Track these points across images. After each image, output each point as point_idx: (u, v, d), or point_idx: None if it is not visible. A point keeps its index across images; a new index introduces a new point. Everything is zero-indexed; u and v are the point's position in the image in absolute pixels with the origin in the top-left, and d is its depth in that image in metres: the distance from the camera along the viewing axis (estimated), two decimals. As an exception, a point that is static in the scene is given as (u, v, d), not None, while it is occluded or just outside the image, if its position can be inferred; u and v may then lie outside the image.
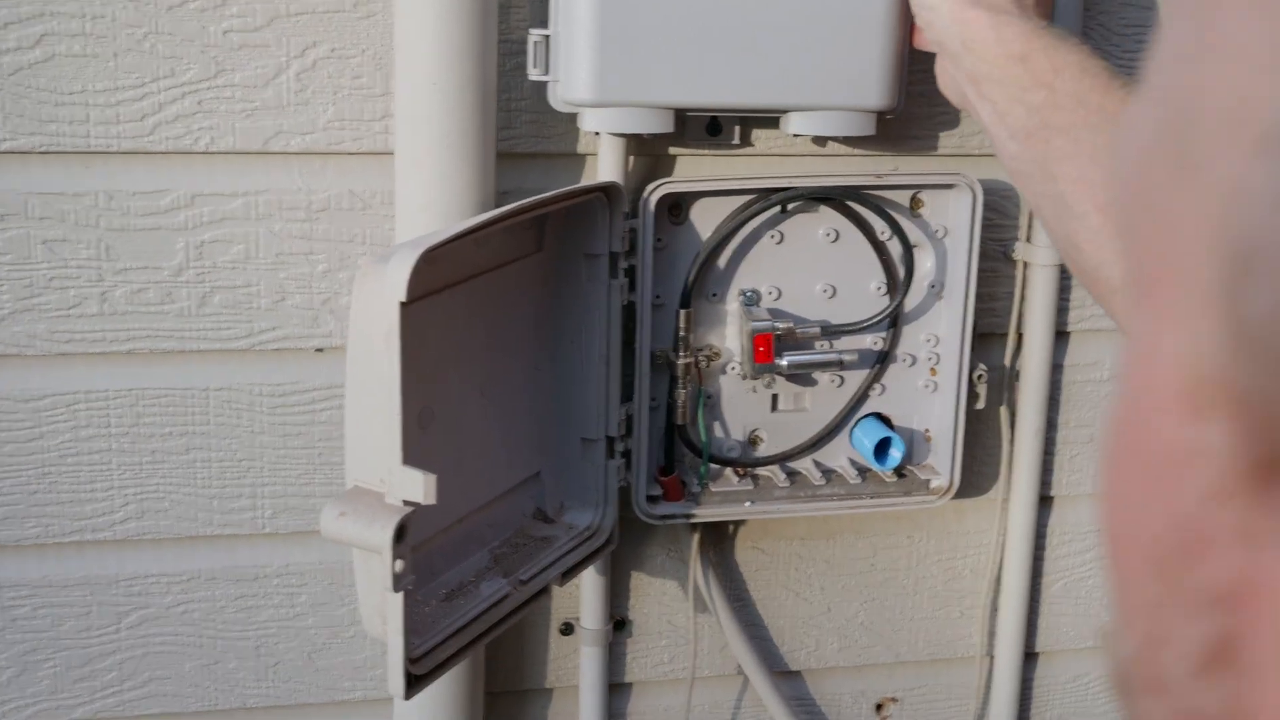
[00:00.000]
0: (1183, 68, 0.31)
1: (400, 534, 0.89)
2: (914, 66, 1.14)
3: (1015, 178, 0.96)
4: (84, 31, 1.06)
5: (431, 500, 0.90)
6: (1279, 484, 0.28)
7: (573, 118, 1.11)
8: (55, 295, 1.11)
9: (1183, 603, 0.30)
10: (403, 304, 0.87)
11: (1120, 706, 0.34)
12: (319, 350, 1.16)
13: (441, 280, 0.99)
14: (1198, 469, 0.29)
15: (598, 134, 1.11)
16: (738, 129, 1.16)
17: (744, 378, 1.19)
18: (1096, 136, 0.88)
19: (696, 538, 1.27)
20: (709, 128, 1.15)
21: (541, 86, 1.10)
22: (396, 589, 0.90)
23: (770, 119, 1.14)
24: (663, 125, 1.08)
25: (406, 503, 0.90)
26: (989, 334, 1.28)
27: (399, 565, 0.90)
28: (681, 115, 1.11)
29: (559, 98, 1.08)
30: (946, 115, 1.21)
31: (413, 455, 0.90)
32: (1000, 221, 1.25)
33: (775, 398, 1.21)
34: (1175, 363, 0.30)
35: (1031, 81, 0.91)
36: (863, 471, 1.23)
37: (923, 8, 1.01)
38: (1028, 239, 1.25)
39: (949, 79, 1.03)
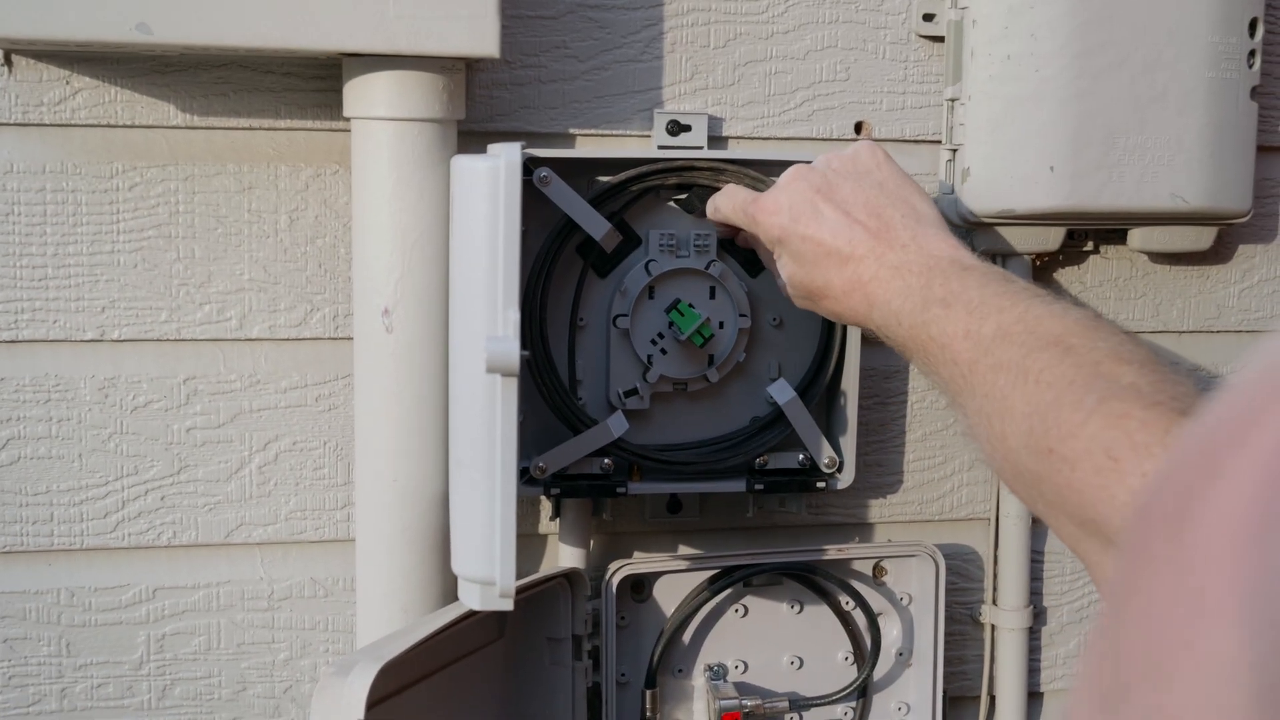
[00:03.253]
0: None
1: None
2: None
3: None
4: (50, 434, 1.07)
5: None
6: None
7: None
8: (15, 694, 1.10)
9: None
10: (359, 720, 0.86)
11: None
12: (280, 740, 1.14)
13: (400, 680, 0.98)
14: None
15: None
16: (698, 505, 1.17)
17: (714, 754, 1.17)
18: None
19: None
20: (669, 505, 1.16)
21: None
22: None
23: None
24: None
25: None
26: (961, 698, 1.26)
27: None
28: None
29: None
30: (902, 484, 1.22)
31: None
32: (964, 585, 1.25)
33: (748, 772, 1.19)
34: None
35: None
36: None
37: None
38: (993, 601, 1.24)
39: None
